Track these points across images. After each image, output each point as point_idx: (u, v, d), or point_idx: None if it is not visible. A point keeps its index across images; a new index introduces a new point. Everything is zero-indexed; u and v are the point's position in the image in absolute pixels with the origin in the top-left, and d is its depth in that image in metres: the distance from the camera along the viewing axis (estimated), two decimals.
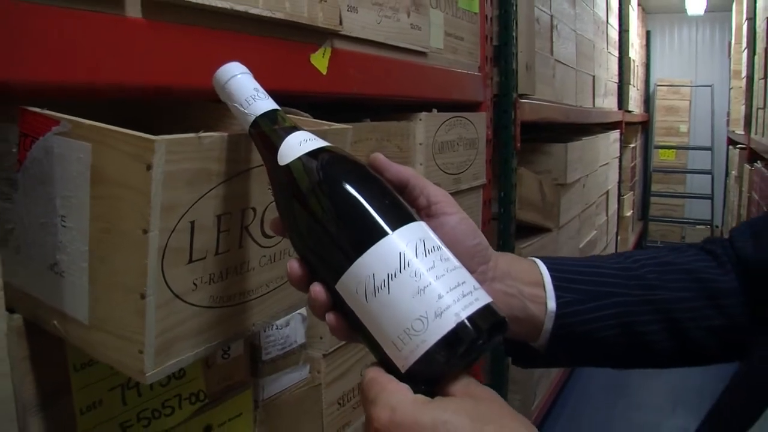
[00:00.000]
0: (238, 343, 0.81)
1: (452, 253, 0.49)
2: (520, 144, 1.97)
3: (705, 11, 6.45)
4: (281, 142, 0.50)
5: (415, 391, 0.43)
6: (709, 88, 6.58)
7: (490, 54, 1.65)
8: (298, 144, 0.50)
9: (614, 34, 4.17)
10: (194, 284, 0.53)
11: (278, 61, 0.82)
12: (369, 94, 1.04)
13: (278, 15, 0.79)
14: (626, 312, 0.63)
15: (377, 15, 1.04)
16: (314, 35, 0.88)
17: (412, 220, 0.48)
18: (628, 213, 5.08)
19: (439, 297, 0.44)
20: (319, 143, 0.51)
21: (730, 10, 5.79)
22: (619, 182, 4.51)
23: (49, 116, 0.52)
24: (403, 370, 0.44)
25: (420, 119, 1.23)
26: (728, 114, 5.78)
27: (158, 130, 0.51)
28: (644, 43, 6.36)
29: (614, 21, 4.17)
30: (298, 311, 0.91)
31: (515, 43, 1.89)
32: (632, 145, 5.47)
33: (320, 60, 0.90)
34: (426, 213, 0.56)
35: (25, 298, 0.56)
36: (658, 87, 6.69)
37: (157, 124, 0.64)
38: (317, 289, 0.48)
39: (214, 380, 0.79)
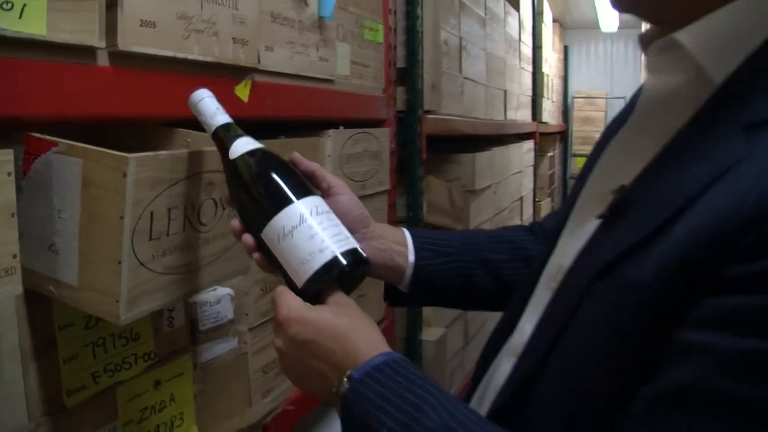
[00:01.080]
0: (180, 314, 1.06)
1: (342, 220, 0.79)
2: (428, 155, 2.27)
3: (618, 28, 7.00)
4: (231, 144, 0.79)
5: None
6: (623, 99, 7.12)
7: (394, 77, 1.94)
8: (242, 145, 0.79)
9: (527, 51, 4.56)
10: (153, 256, 0.79)
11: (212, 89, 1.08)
12: (284, 116, 1.31)
13: (209, 59, 1.05)
14: (465, 266, 0.95)
15: (290, 52, 1.31)
16: (237, 71, 1.15)
17: (312, 194, 0.78)
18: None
19: (323, 240, 0.73)
20: (255, 145, 0.80)
21: (641, 27, 6.31)
22: (535, 189, 4.89)
23: (50, 140, 0.78)
24: (299, 287, 0.72)
25: (328, 135, 1.51)
26: None
27: (124, 147, 0.77)
28: (562, 57, 6.85)
29: (527, 38, 4.56)
30: (227, 292, 1.16)
31: (421, 66, 2.19)
32: (550, 154, 5.91)
33: (243, 90, 1.16)
34: (326, 193, 0.86)
35: (26, 272, 0.80)
36: (575, 99, 7.19)
37: (122, 142, 0.89)
38: (246, 237, 0.78)
39: (161, 344, 1.04)
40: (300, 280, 0.72)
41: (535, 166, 4.89)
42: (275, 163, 0.79)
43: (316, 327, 0.68)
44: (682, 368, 0.49)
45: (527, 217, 4.50)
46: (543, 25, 5.11)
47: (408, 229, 0.96)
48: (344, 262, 0.72)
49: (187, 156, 0.82)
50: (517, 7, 4.08)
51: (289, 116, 1.33)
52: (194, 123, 1.03)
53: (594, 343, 0.57)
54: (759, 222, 0.46)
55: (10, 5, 0.73)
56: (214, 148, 0.83)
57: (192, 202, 0.85)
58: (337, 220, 0.77)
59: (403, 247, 0.92)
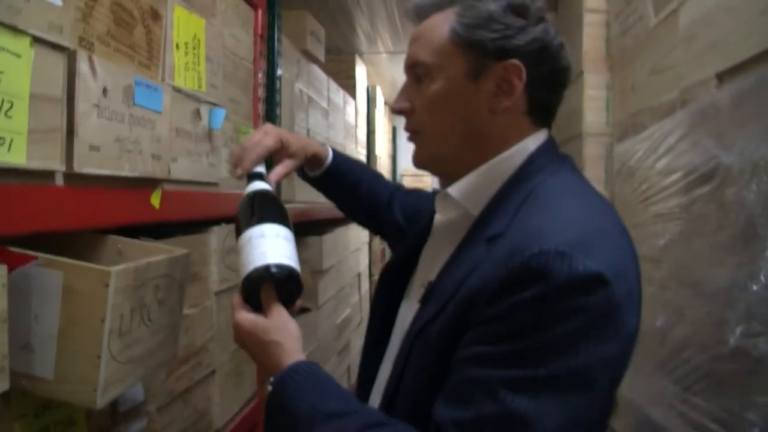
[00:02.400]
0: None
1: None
2: None
3: None
4: (250, 184, 1.20)
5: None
6: None
7: None
8: (255, 186, 1.19)
9: (362, 135, 4.98)
10: (120, 350, 0.98)
11: (132, 204, 1.28)
12: (184, 218, 1.52)
13: (136, 174, 1.26)
14: (362, 179, 1.53)
15: (189, 161, 1.54)
16: (153, 183, 1.36)
17: (282, 225, 1.10)
18: None
19: (266, 253, 1.05)
20: (263, 187, 1.20)
21: None
22: (370, 264, 5.26)
23: (29, 254, 0.96)
24: (241, 279, 1.06)
25: (213, 231, 1.73)
26: None
27: (64, 252, 0.97)
28: (391, 137, 7.42)
29: (362, 123, 4.99)
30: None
31: None
32: None
33: (156, 199, 1.37)
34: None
35: None
36: (404, 176, 7.77)
37: (61, 247, 1.08)
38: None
39: (92, 427, 1.19)
40: (242, 275, 1.06)
41: (370, 243, 5.27)
42: (265, 200, 1.17)
43: (249, 332, 1.04)
44: (461, 369, 0.88)
45: (364, 292, 4.84)
46: (376, 110, 5.60)
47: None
48: (274, 270, 1.04)
49: (146, 266, 1.03)
50: (354, 96, 4.49)
51: (189, 218, 1.55)
52: (123, 230, 1.24)
53: (421, 364, 0.98)
54: (489, 289, 0.87)
55: (2, 140, 0.92)
56: (162, 257, 1.06)
57: (145, 303, 1.06)
58: (291, 248, 1.09)
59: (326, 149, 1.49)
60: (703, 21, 1.52)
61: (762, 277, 1.24)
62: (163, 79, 1.40)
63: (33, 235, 1.11)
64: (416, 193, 1.59)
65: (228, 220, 1.82)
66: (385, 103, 6.69)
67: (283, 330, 1.04)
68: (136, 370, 1.05)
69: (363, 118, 5.03)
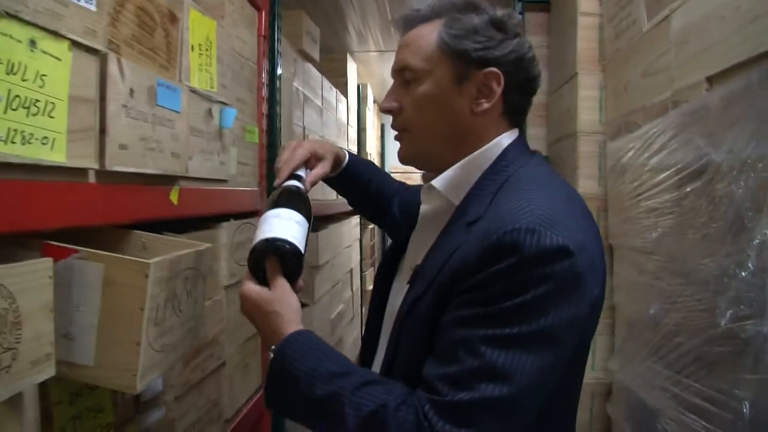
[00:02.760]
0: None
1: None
2: None
3: None
4: (285, 182, 1.31)
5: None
6: None
7: (266, 171, 2.26)
8: (288, 183, 1.30)
9: (353, 133, 5.05)
10: (155, 338, 1.04)
11: (154, 200, 1.34)
12: (198, 213, 1.58)
13: (158, 171, 1.32)
14: (372, 180, 1.62)
15: (202, 159, 1.60)
16: (171, 180, 1.42)
17: (297, 211, 1.18)
18: (370, 287, 5.93)
19: (273, 229, 1.14)
20: (293, 184, 1.29)
21: None
22: (361, 260, 5.33)
23: (70, 248, 1.01)
24: (251, 247, 1.16)
25: (222, 227, 1.79)
26: None
27: (92, 245, 1.03)
28: (379, 135, 7.48)
29: (353, 121, 5.05)
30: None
31: None
32: (370, 226, 6.40)
33: (174, 195, 1.43)
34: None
35: None
36: (393, 173, 7.81)
37: (91, 241, 1.13)
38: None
39: (118, 416, 1.26)
40: (253, 243, 1.16)
41: (361, 239, 5.33)
42: (291, 193, 1.27)
43: (254, 302, 1.15)
44: (446, 332, 1.01)
45: (356, 287, 4.90)
46: (366, 109, 5.66)
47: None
48: (279, 243, 1.13)
49: (178, 258, 1.09)
50: (345, 94, 4.55)
51: (204, 213, 1.61)
52: (147, 226, 1.30)
53: (412, 336, 1.09)
54: (468, 264, 0.99)
55: (46, 140, 0.98)
56: (190, 251, 1.12)
57: (176, 294, 1.12)
58: (301, 231, 1.18)
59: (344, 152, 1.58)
60: (695, 27, 1.60)
61: (750, 265, 1.32)
62: (180, 80, 1.45)
63: (59, 231, 1.17)
64: (412, 189, 1.69)
65: (237, 216, 1.89)
66: (375, 101, 6.75)
67: (285, 302, 1.14)
68: (168, 358, 1.11)
69: (354, 116, 5.10)
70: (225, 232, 1.80)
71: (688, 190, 1.61)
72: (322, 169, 1.43)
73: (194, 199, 1.54)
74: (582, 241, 0.98)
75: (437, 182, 1.17)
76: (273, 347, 1.11)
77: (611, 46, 2.32)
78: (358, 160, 1.64)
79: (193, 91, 1.52)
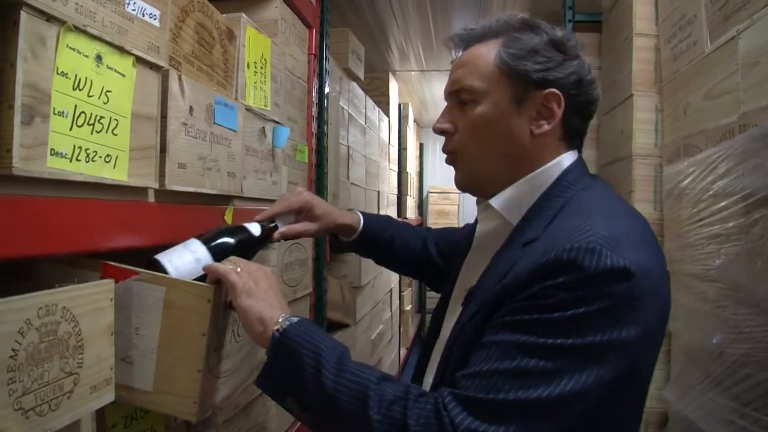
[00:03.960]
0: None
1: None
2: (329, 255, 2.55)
3: None
4: None
5: None
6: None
7: (314, 191, 2.23)
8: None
9: (394, 153, 5.03)
10: (215, 364, 1.01)
11: (211, 219, 1.31)
12: None
13: (214, 191, 1.29)
14: (394, 235, 1.59)
15: (255, 179, 1.57)
16: (227, 199, 1.39)
17: (210, 247, 1.12)
18: (408, 307, 5.89)
19: (169, 255, 1.07)
20: (248, 224, 1.23)
21: None
22: (399, 280, 5.28)
23: (130, 269, 0.99)
24: None
25: (273, 248, 1.76)
26: None
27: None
28: (418, 154, 7.46)
29: (395, 140, 5.03)
30: None
31: (326, 177, 2.50)
32: None
33: (229, 215, 1.41)
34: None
35: None
36: (431, 193, 7.79)
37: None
38: None
39: None
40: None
41: None
42: (230, 231, 1.20)
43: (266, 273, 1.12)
44: (486, 336, 0.98)
45: (395, 308, 4.85)
46: (407, 128, 5.64)
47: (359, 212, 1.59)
48: (155, 266, 1.04)
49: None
50: (387, 113, 4.54)
51: None
52: None
53: (461, 352, 1.04)
54: (521, 279, 0.96)
55: (109, 158, 0.96)
56: None
57: (235, 319, 1.08)
58: (191, 264, 1.07)
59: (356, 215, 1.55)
60: (766, 49, 1.54)
61: None
62: (236, 98, 1.43)
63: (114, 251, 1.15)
64: (447, 230, 1.69)
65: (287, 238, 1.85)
66: (415, 121, 6.74)
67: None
68: (228, 383, 1.08)
69: (395, 135, 5.08)
70: (275, 253, 1.77)
71: (757, 216, 1.54)
72: (304, 227, 1.40)
73: (248, 219, 1.51)
74: (645, 264, 0.93)
75: (495, 201, 1.14)
76: (278, 327, 1.01)
77: (669, 68, 2.25)
78: (375, 219, 1.61)
79: (249, 109, 1.50)
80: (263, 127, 1.62)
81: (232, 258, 1.09)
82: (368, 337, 3.63)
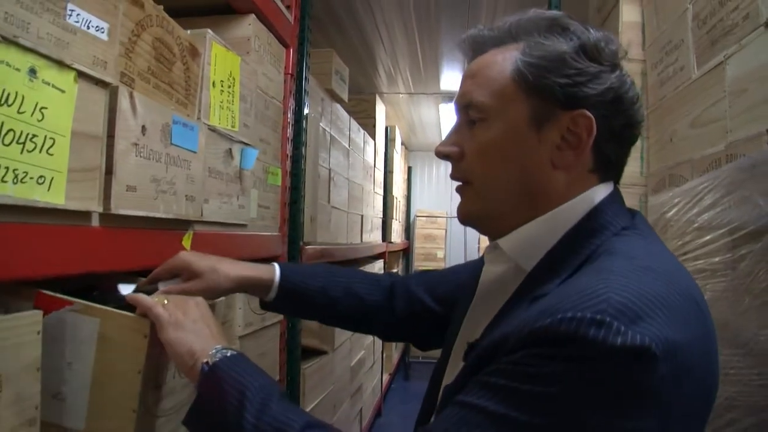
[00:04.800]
0: None
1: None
2: None
3: None
4: None
5: None
6: None
7: (287, 215, 2.17)
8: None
9: (380, 176, 4.97)
10: (154, 403, 0.94)
11: (164, 246, 1.25)
12: None
13: (170, 215, 1.23)
14: (328, 285, 1.29)
15: (219, 202, 1.51)
16: (185, 224, 1.33)
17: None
18: None
19: None
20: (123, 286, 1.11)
21: None
22: None
23: (64, 299, 0.92)
24: None
25: None
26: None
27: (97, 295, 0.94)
28: (406, 177, 7.41)
29: (380, 163, 4.98)
30: None
31: (303, 200, 2.44)
32: (395, 270, 6.30)
33: (187, 241, 1.34)
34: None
35: None
36: (418, 217, 7.74)
37: (98, 289, 1.04)
38: None
39: None
40: None
41: None
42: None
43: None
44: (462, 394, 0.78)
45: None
46: (394, 151, 5.60)
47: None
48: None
49: None
50: (373, 135, 4.49)
51: None
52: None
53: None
54: (508, 343, 0.76)
55: (43, 179, 0.89)
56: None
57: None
58: None
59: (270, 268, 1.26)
60: (754, 75, 1.49)
61: None
62: (198, 118, 1.38)
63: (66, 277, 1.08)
64: (444, 273, 1.41)
65: (257, 260, 1.79)
66: (403, 144, 6.70)
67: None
68: (171, 421, 1.01)
69: (381, 158, 5.03)
70: None
71: (744, 252, 1.48)
72: (181, 287, 1.12)
73: (209, 245, 1.44)
74: (676, 339, 0.70)
75: (505, 242, 0.93)
76: (214, 353, 0.92)
77: (655, 94, 2.20)
78: (300, 269, 1.31)
79: (213, 129, 1.44)
80: (230, 149, 1.56)
81: (160, 290, 1.01)
82: (347, 364, 3.55)
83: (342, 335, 3.35)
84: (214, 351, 0.93)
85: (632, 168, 2.30)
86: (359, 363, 3.92)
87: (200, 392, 0.91)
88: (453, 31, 3.67)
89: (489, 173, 0.93)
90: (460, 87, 0.97)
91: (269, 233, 1.95)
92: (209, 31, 1.42)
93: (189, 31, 1.36)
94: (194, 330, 0.95)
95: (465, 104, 0.95)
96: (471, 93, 0.94)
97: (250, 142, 1.68)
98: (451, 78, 4.80)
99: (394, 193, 5.70)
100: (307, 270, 1.31)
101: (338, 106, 3.28)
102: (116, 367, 0.90)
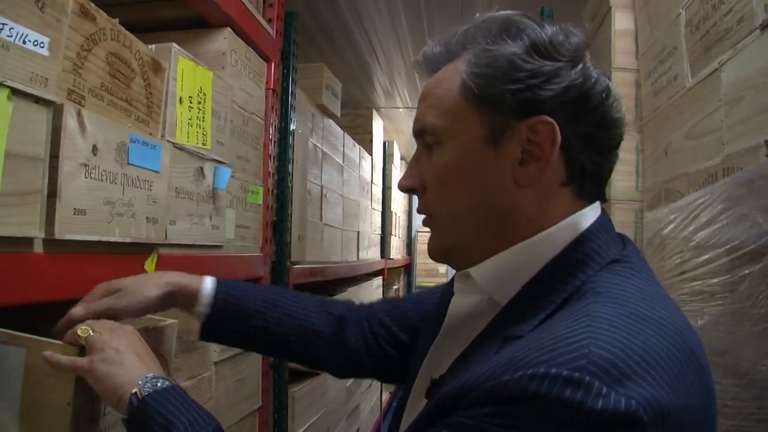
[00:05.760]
0: None
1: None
2: None
3: None
4: None
5: None
6: None
7: (269, 235, 2.10)
8: None
9: (378, 192, 4.90)
10: None
11: (123, 271, 1.17)
12: None
13: (127, 239, 1.16)
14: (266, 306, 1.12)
15: (189, 224, 1.44)
16: (147, 247, 1.25)
17: None
18: None
19: None
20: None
21: None
22: None
23: None
24: None
25: None
26: None
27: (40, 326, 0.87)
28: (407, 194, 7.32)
29: (378, 179, 4.91)
30: None
31: (290, 219, 2.36)
32: (395, 287, 6.22)
33: (150, 265, 1.27)
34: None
35: None
36: (419, 233, 7.65)
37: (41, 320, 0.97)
38: None
39: None
40: None
41: None
42: None
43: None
44: None
45: None
46: (392, 167, 5.52)
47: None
48: None
49: None
50: (370, 151, 4.42)
51: None
52: None
53: None
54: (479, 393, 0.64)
55: None
56: (140, 328, 0.98)
57: None
58: None
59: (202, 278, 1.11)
60: (751, 82, 1.41)
61: None
62: (163, 136, 1.31)
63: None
64: (406, 299, 1.29)
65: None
66: (402, 158, 6.62)
67: None
68: None
69: (379, 174, 4.95)
70: None
71: (744, 273, 1.39)
72: (100, 304, 0.98)
73: (177, 269, 1.36)
74: (669, 403, 0.60)
75: (477, 271, 0.82)
76: (143, 384, 0.83)
77: (649, 105, 2.12)
78: (237, 286, 1.14)
79: (180, 148, 1.37)
80: (201, 167, 1.49)
81: (88, 321, 0.92)
82: (343, 384, 3.45)
83: None
84: (142, 381, 0.83)
85: (627, 183, 2.22)
86: (356, 382, 3.83)
87: (127, 427, 0.83)
88: None
89: (449, 202, 0.84)
90: (416, 112, 0.88)
91: (248, 254, 1.87)
92: (174, 45, 1.35)
93: (153, 46, 1.30)
94: (118, 361, 0.85)
95: (419, 130, 0.86)
96: (424, 116, 0.85)
97: (225, 160, 1.61)
98: None
99: (393, 209, 5.62)
100: (248, 287, 1.15)
101: (330, 121, 3.22)
102: (44, 400, 0.83)
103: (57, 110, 0.97)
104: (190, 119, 1.42)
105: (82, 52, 1.04)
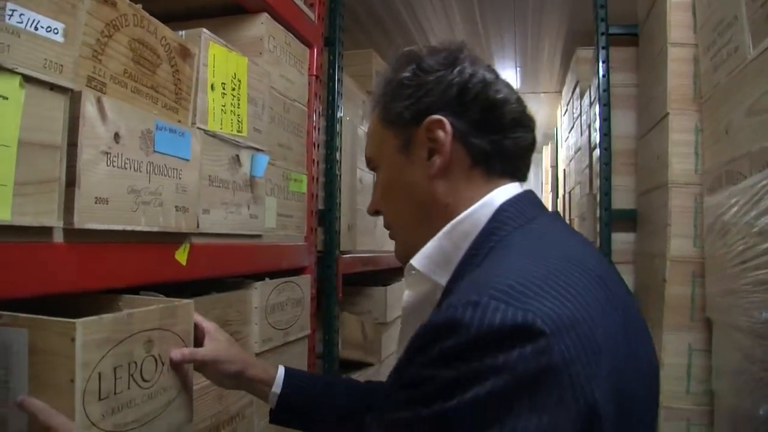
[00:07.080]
0: None
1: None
2: (342, 292, 2.38)
3: None
4: None
5: None
6: None
7: (315, 224, 2.07)
8: None
9: None
10: (102, 416, 0.86)
11: (152, 261, 1.16)
12: (218, 274, 1.40)
13: (154, 228, 1.14)
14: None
15: (225, 212, 1.42)
16: (178, 236, 1.24)
17: None
18: None
19: None
20: None
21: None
22: None
23: None
24: None
25: (255, 287, 1.59)
26: None
27: (65, 314, 0.85)
28: None
29: None
30: None
31: (338, 208, 2.33)
32: None
33: (182, 254, 1.25)
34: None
35: None
36: None
37: (74, 310, 0.95)
38: None
39: None
40: None
41: None
42: None
43: None
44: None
45: None
46: None
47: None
48: None
49: (126, 317, 0.92)
50: None
51: (223, 274, 1.42)
52: (135, 290, 1.12)
53: None
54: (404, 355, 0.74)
55: None
56: (151, 308, 0.98)
57: (135, 360, 0.94)
58: None
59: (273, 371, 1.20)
60: None
61: None
62: (193, 123, 1.28)
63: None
64: None
65: (272, 274, 1.69)
66: None
67: None
68: None
69: None
70: (257, 292, 1.60)
71: None
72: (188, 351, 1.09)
73: (210, 258, 1.35)
74: (567, 316, 0.66)
75: (416, 260, 0.92)
76: None
77: (709, 81, 1.98)
78: (309, 379, 1.25)
79: (212, 135, 1.35)
80: (237, 155, 1.47)
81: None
82: None
83: (390, 345, 3.23)
84: None
85: (686, 165, 2.10)
86: None
87: None
88: (499, 31, 3.52)
89: (394, 211, 1.00)
90: None
91: (292, 243, 1.85)
92: (204, 30, 1.32)
93: (183, 32, 1.28)
94: None
95: (367, 162, 1.06)
96: (366, 149, 1.06)
97: (264, 148, 1.59)
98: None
99: None
100: (312, 379, 1.26)
101: None
102: (49, 379, 0.83)
103: (74, 97, 0.96)
104: (223, 106, 1.39)
105: (102, 38, 1.02)
